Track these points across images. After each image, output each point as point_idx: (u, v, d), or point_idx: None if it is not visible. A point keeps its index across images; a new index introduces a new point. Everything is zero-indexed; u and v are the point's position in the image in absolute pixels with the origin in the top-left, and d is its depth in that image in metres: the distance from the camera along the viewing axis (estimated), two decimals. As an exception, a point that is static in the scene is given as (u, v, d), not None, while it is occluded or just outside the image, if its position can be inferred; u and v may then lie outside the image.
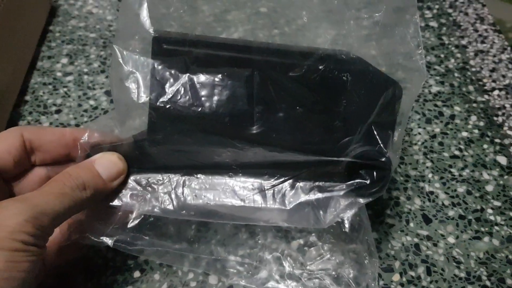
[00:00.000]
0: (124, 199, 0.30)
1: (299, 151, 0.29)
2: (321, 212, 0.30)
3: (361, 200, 0.29)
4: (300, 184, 0.31)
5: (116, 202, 0.30)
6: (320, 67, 0.30)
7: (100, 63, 0.49)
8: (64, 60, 0.49)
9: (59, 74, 0.48)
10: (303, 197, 0.30)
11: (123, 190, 0.30)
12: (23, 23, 0.47)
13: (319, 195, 0.30)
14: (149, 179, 0.31)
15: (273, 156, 0.29)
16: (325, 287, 0.33)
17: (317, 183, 0.30)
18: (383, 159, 0.29)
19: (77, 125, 0.43)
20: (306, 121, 0.30)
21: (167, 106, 0.28)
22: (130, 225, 0.30)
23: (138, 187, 0.30)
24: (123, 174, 0.30)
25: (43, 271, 0.31)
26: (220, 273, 0.33)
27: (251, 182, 0.31)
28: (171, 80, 0.28)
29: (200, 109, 0.28)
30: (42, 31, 0.52)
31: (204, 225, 0.35)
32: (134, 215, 0.30)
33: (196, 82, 0.28)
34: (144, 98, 0.29)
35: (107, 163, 0.29)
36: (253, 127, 0.29)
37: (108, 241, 0.30)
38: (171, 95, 0.28)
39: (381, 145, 0.29)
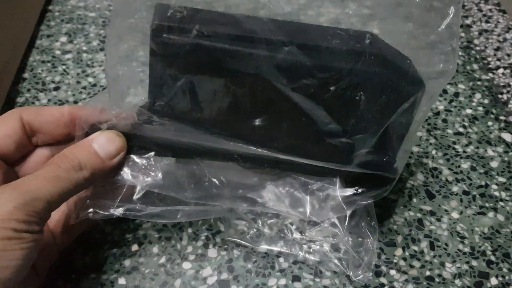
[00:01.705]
0: (125, 175, 0.29)
1: (303, 157, 0.29)
2: (318, 206, 0.29)
3: (362, 202, 0.29)
4: (301, 179, 0.30)
5: (118, 178, 0.29)
6: (331, 87, 0.26)
7: (99, 41, 0.48)
8: (63, 39, 0.49)
9: (58, 52, 0.47)
10: (303, 193, 0.30)
11: (125, 167, 0.30)
12: (22, 2, 0.46)
13: (320, 194, 0.30)
14: (151, 157, 0.30)
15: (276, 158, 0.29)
16: (324, 253, 0.32)
17: (318, 183, 0.30)
18: (390, 170, 0.28)
19: (75, 102, 0.43)
20: (312, 129, 0.28)
21: (165, 109, 0.28)
22: (136, 196, 0.30)
23: (140, 164, 0.30)
24: (123, 151, 0.29)
25: (56, 252, 0.31)
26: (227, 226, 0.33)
27: (252, 171, 0.30)
28: (170, 81, 0.27)
29: (199, 114, 0.28)
30: (42, 11, 0.51)
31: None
32: (137, 189, 0.29)
33: (196, 86, 0.27)
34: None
35: (105, 141, 0.28)
36: (254, 134, 0.28)
37: (117, 212, 0.29)
38: (169, 98, 0.27)
39: (390, 155, 0.28)
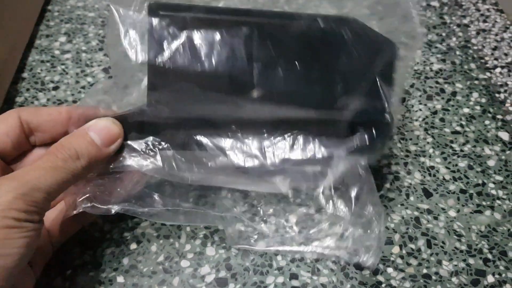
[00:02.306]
0: (125, 162, 0.29)
1: (299, 106, 0.29)
2: (320, 172, 0.29)
3: (362, 161, 0.29)
4: (300, 141, 0.30)
5: (117, 166, 0.29)
6: (320, 25, 0.30)
7: (98, 41, 0.49)
8: (62, 39, 0.49)
9: (57, 52, 0.48)
10: (303, 155, 0.30)
11: (123, 155, 0.30)
12: (21, 2, 0.47)
13: (319, 153, 0.30)
14: (148, 143, 0.30)
15: (273, 112, 0.29)
16: (328, 245, 0.32)
17: (317, 141, 0.30)
18: (385, 114, 0.29)
19: (74, 102, 0.43)
20: (306, 76, 0.30)
21: (166, 66, 0.28)
22: (135, 191, 0.30)
23: (139, 149, 0.30)
24: (120, 138, 0.29)
25: (51, 250, 0.31)
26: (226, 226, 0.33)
27: (250, 141, 0.30)
28: (169, 38, 0.28)
29: (199, 67, 0.28)
30: (41, 11, 0.51)
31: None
32: (135, 179, 0.30)
33: (194, 40, 0.28)
34: (142, 57, 0.28)
35: (101, 128, 0.28)
36: (253, 84, 0.29)
37: (115, 208, 0.29)
38: (170, 54, 0.28)
39: (383, 100, 0.29)
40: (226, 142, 0.30)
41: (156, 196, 0.31)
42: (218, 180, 0.30)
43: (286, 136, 0.30)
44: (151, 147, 0.30)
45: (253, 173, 0.30)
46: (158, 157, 0.29)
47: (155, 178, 0.31)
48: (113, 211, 0.29)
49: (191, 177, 0.29)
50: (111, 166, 0.29)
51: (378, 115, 0.30)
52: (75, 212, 0.29)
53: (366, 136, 0.30)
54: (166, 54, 0.28)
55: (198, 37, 0.28)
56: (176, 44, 0.28)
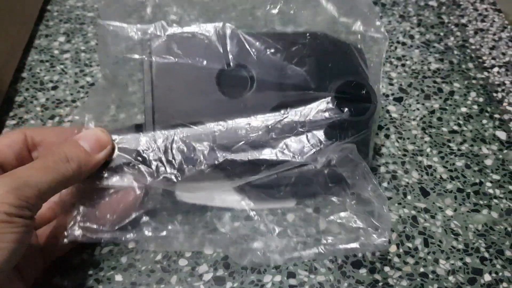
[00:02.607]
0: (117, 177, 0.30)
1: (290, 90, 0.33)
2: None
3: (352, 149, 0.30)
4: (294, 118, 0.32)
5: (111, 180, 0.30)
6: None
7: (97, 41, 0.49)
8: (62, 38, 0.49)
9: (56, 51, 0.48)
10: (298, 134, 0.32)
11: (116, 170, 0.31)
12: (20, 2, 0.47)
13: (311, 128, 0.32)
14: (138, 150, 0.31)
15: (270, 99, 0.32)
16: (337, 237, 0.32)
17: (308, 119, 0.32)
18: (366, 87, 0.33)
19: (73, 101, 0.43)
20: (292, 75, 0.34)
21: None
22: (126, 218, 0.31)
23: (129, 158, 0.31)
24: (108, 145, 0.30)
25: (42, 265, 0.31)
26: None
27: (239, 128, 0.32)
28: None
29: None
30: (40, 10, 0.51)
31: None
32: (127, 204, 0.30)
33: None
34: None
35: (89, 136, 0.30)
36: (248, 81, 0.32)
37: (106, 236, 0.30)
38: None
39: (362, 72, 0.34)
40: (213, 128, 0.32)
41: (149, 221, 0.32)
42: (223, 199, 0.31)
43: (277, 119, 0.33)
44: (140, 154, 0.31)
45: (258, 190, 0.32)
46: (150, 165, 0.31)
47: (149, 205, 0.32)
48: (103, 240, 0.30)
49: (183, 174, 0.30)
50: (102, 186, 0.30)
51: (359, 85, 0.34)
52: (66, 241, 0.30)
53: (352, 109, 0.32)
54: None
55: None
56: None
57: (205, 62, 0.32)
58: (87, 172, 0.29)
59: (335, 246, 0.31)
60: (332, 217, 0.33)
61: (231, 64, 0.33)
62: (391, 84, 0.46)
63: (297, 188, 0.32)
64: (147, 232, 0.32)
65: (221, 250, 0.33)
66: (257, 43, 0.34)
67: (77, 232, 0.29)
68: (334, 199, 0.33)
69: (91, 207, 0.30)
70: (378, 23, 0.35)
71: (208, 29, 0.33)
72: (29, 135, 0.30)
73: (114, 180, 0.30)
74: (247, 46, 0.33)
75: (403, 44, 0.50)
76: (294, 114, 0.32)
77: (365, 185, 0.31)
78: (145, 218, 0.32)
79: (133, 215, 0.31)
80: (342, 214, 0.32)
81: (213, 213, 0.34)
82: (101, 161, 0.30)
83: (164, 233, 0.32)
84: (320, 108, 0.33)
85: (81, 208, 0.30)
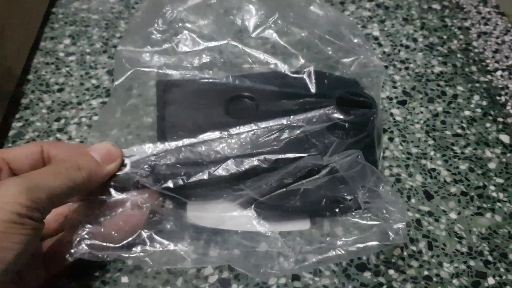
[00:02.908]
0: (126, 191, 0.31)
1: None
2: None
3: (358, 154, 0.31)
4: (298, 124, 0.33)
5: (119, 193, 0.31)
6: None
7: (102, 43, 0.49)
8: (67, 41, 0.49)
9: (61, 54, 0.48)
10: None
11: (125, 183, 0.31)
12: (26, 4, 0.47)
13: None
14: (147, 160, 0.32)
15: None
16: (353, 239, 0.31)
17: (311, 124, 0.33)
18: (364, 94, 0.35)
19: (79, 104, 0.43)
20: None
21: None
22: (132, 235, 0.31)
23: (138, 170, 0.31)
24: (118, 158, 0.31)
25: (43, 276, 0.30)
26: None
27: (245, 136, 0.33)
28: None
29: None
30: (45, 13, 0.52)
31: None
32: (134, 221, 0.31)
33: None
34: None
35: (100, 149, 0.31)
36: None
37: (112, 254, 0.30)
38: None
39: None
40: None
41: (156, 239, 0.32)
42: (234, 221, 0.32)
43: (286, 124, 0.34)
44: (150, 163, 0.32)
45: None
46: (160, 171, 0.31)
47: (157, 223, 0.32)
48: (109, 259, 0.30)
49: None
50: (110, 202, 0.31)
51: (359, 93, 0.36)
52: (71, 258, 0.29)
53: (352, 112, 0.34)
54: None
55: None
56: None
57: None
58: (96, 182, 0.29)
59: (353, 245, 0.31)
60: (345, 216, 0.33)
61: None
62: (395, 87, 0.46)
63: (307, 198, 0.32)
64: (154, 250, 0.31)
65: (236, 266, 0.32)
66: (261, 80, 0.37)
67: (83, 249, 0.29)
68: (346, 195, 0.33)
69: (97, 224, 0.30)
70: (374, 57, 0.38)
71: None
72: (45, 148, 0.31)
73: (123, 193, 0.31)
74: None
75: (407, 47, 0.50)
76: (297, 120, 0.33)
77: (375, 183, 0.31)
78: (153, 236, 0.32)
79: (143, 234, 0.31)
80: (355, 212, 0.32)
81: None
82: (110, 172, 0.30)
83: (171, 247, 0.32)
84: (323, 112, 0.33)
85: (87, 226, 0.30)
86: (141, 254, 0.31)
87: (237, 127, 0.33)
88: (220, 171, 0.31)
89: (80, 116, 0.42)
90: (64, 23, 0.51)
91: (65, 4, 0.54)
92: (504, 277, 0.33)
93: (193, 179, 0.31)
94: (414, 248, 0.35)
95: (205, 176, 0.31)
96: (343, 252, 0.31)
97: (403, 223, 0.30)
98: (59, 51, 0.48)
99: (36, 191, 0.25)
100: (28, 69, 0.46)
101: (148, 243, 0.31)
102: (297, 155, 0.32)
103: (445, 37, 0.51)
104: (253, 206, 0.32)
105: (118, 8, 0.53)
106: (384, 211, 0.31)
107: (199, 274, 0.33)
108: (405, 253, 0.34)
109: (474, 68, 0.48)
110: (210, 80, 0.37)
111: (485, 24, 0.53)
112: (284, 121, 0.33)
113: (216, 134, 0.33)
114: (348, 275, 0.33)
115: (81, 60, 0.47)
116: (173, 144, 0.32)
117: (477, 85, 0.46)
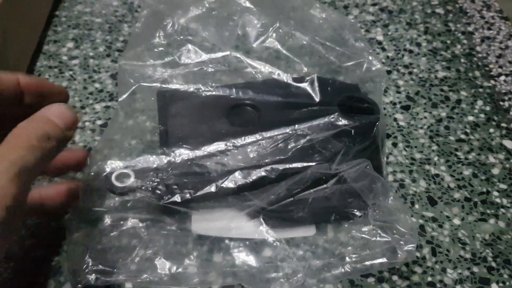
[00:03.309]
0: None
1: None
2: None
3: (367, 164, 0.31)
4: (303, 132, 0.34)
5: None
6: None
7: (105, 47, 0.49)
8: (70, 44, 0.49)
9: (64, 57, 0.48)
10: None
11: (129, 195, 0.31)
12: (29, 8, 0.47)
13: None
14: (152, 173, 0.31)
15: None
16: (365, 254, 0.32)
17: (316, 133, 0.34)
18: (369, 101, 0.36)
19: (82, 108, 0.43)
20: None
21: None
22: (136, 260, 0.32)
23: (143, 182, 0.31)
24: (77, 123, 0.28)
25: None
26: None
27: (250, 146, 0.33)
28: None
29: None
30: (48, 16, 0.52)
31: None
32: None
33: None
34: None
35: (60, 114, 0.28)
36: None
37: (120, 278, 0.31)
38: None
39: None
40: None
41: (164, 260, 0.32)
42: (240, 230, 0.32)
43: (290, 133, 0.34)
44: (148, 173, 0.32)
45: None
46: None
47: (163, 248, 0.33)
48: (117, 282, 0.31)
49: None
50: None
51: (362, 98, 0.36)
52: (80, 286, 0.29)
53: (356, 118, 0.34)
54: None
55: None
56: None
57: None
58: (60, 150, 0.27)
59: (361, 263, 0.31)
60: (354, 232, 0.33)
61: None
62: (399, 92, 0.46)
63: (315, 209, 0.32)
64: (162, 272, 0.32)
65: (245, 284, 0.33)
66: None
67: (91, 276, 0.29)
68: (356, 212, 0.33)
69: (102, 249, 0.30)
70: (376, 61, 0.38)
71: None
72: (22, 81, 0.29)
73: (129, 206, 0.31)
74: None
75: (410, 51, 0.50)
76: (302, 129, 0.33)
77: (384, 197, 0.31)
78: (160, 258, 0.32)
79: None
80: (365, 228, 0.32)
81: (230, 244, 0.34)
82: (71, 138, 0.28)
83: (180, 270, 0.32)
84: (327, 120, 0.34)
85: (92, 252, 0.30)
86: (150, 276, 0.31)
87: (242, 138, 0.33)
88: (228, 183, 0.31)
89: (83, 120, 0.42)
90: (67, 27, 0.51)
91: (68, 7, 0.54)
92: (507, 283, 0.33)
93: (200, 192, 0.31)
94: (417, 254, 0.35)
95: (213, 189, 0.31)
96: (351, 269, 0.31)
97: (414, 245, 0.30)
98: (62, 54, 0.48)
99: (22, 176, 0.23)
100: (31, 72, 0.47)
101: (156, 265, 0.31)
102: (305, 164, 0.32)
103: (448, 41, 0.51)
104: (261, 215, 0.32)
105: (121, 11, 0.53)
106: (395, 231, 0.31)
107: (203, 280, 0.33)
108: (408, 259, 0.34)
109: (477, 73, 0.48)
110: (212, 91, 0.37)
111: (489, 28, 0.53)
112: (288, 130, 0.33)
113: (221, 146, 0.32)
114: (351, 281, 0.33)
115: (85, 64, 0.47)
116: (178, 158, 0.32)
117: (481, 90, 0.46)
